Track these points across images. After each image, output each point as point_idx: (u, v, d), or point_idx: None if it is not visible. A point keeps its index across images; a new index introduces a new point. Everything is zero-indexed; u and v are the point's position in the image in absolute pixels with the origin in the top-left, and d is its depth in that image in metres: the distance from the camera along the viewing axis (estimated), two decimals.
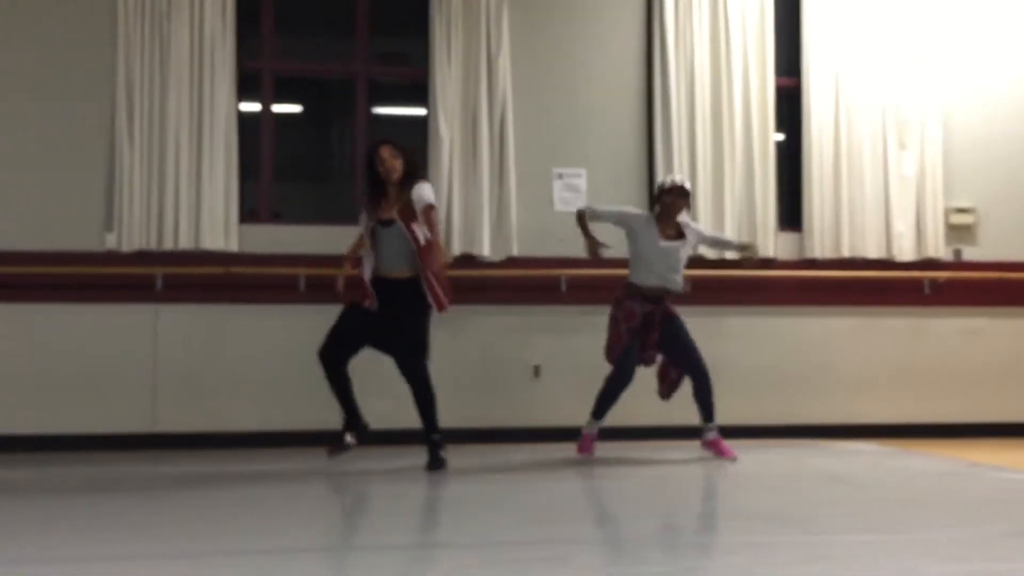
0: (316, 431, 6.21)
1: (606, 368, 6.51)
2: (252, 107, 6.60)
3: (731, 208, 6.72)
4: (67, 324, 6.21)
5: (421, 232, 5.03)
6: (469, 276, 6.47)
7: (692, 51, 6.73)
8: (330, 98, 7.49)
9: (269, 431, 6.29)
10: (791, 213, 6.94)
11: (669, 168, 6.64)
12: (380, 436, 5.62)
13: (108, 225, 6.24)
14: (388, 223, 5.10)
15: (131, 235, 6.20)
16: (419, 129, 6.63)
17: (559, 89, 6.73)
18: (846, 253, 6.83)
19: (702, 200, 6.65)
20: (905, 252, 6.89)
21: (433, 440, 5.17)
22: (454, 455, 5.73)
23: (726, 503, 4.44)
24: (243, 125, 6.46)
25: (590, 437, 5.66)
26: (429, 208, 5.04)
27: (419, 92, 6.67)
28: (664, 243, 5.51)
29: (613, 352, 5.60)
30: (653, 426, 6.46)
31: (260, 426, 6.30)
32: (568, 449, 5.76)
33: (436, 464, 5.11)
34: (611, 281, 6.41)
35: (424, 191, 5.10)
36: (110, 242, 6.21)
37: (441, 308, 5.11)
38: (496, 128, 6.55)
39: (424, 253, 5.01)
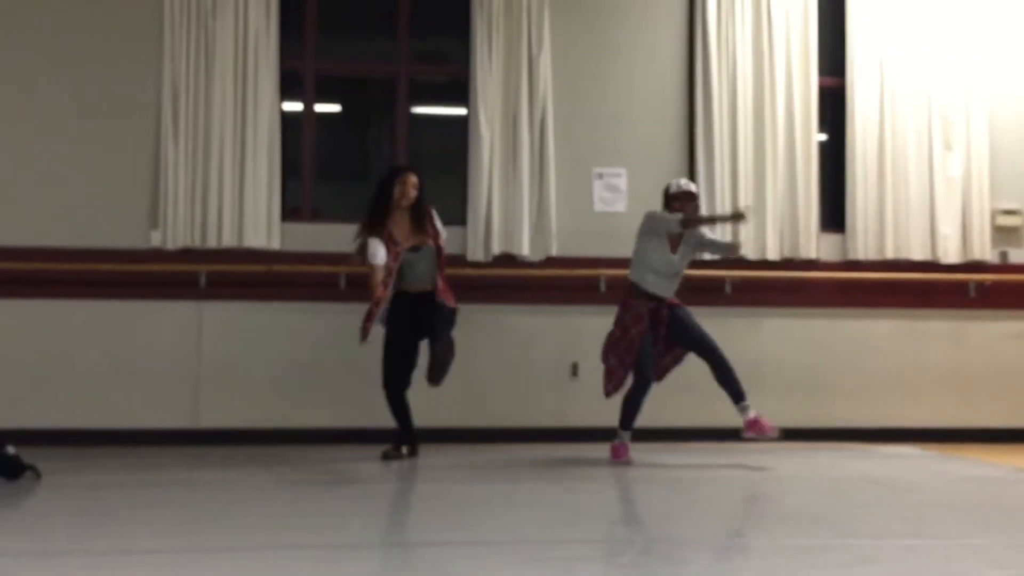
0: (356, 428, 6.27)
1: None
2: (294, 107, 6.65)
3: (772, 209, 6.67)
4: (112, 320, 6.30)
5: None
6: (509, 275, 6.48)
7: (734, 50, 6.68)
8: (371, 98, 7.52)
9: (309, 427, 6.33)
10: (834, 214, 6.87)
11: (711, 169, 6.61)
12: (419, 435, 5.67)
13: (153, 223, 6.32)
14: (417, 248, 5.47)
15: (175, 233, 6.28)
16: (459, 129, 6.65)
17: (600, 89, 6.72)
18: (890, 255, 6.75)
19: (743, 200, 6.59)
20: (950, 254, 6.79)
21: (413, 435, 5.60)
22: (494, 455, 5.74)
23: (767, 506, 4.40)
24: (285, 124, 6.52)
25: (623, 447, 5.56)
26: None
27: (459, 92, 6.69)
28: (674, 256, 5.49)
29: (612, 353, 5.45)
30: (680, 428, 6.43)
31: (299, 423, 6.35)
32: (606, 450, 5.74)
33: (400, 453, 5.54)
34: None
35: (439, 222, 5.64)
36: (155, 240, 6.30)
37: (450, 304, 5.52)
38: (536, 127, 6.55)
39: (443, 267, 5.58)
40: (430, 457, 5.52)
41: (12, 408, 6.04)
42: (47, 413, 6.17)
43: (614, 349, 5.44)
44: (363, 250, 5.45)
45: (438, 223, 5.62)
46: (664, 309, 5.50)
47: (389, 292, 5.43)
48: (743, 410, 5.41)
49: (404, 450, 5.55)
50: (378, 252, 5.40)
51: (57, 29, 6.39)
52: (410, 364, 5.49)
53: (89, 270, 6.23)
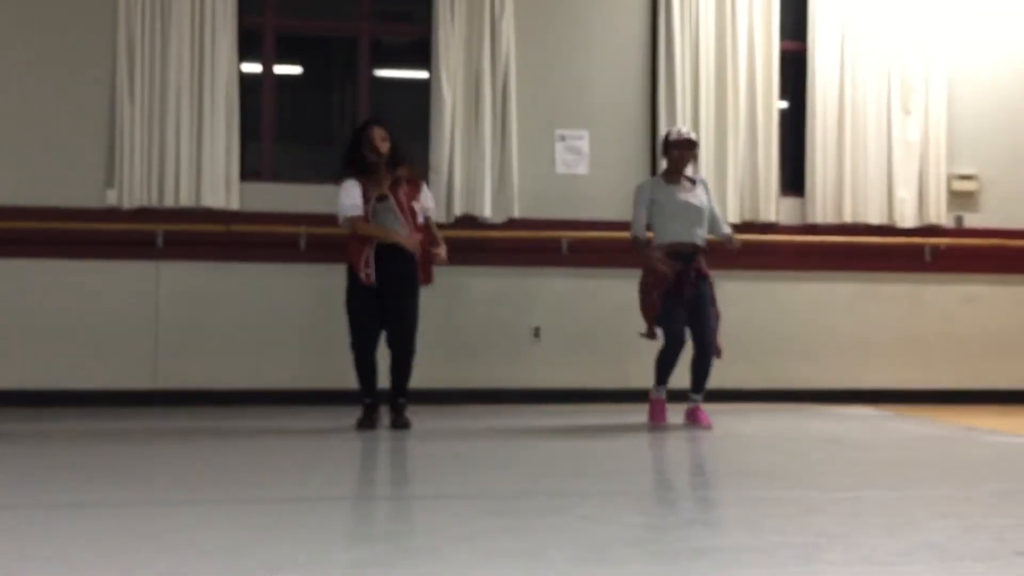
0: (316, 389, 6.26)
1: (607, 330, 6.57)
2: (254, 68, 6.56)
3: (733, 172, 6.71)
4: (68, 280, 6.21)
5: (420, 211, 5.26)
6: (470, 237, 6.47)
7: (697, 13, 6.68)
8: (332, 60, 7.44)
9: (268, 389, 6.31)
10: (794, 178, 6.93)
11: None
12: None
13: (109, 182, 6.23)
14: (382, 198, 5.19)
15: (132, 192, 6.19)
16: (421, 91, 6.60)
17: (562, 50, 6.69)
18: (848, 219, 6.82)
19: (705, 163, 6.63)
20: (907, 218, 6.88)
21: (401, 403, 5.26)
22: (456, 416, 5.75)
23: (725, 462, 4.46)
24: (245, 86, 6.42)
25: (660, 402, 5.42)
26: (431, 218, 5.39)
27: (421, 54, 6.63)
28: (683, 196, 5.36)
29: (647, 318, 5.37)
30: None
31: (259, 384, 6.32)
32: (567, 411, 5.78)
33: (404, 423, 5.17)
34: (612, 244, 6.42)
35: (430, 199, 5.39)
36: (111, 198, 6.20)
37: (428, 281, 5.32)
38: (499, 89, 6.51)
39: (421, 230, 5.25)
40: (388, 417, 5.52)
41: None
42: (2, 373, 6.09)
43: (648, 315, 5.36)
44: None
45: (426, 194, 5.33)
46: (693, 272, 5.32)
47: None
48: (694, 400, 5.42)
49: (374, 416, 5.21)
50: (353, 197, 5.12)
51: None
52: (375, 333, 5.18)
53: (44, 228, 6.13)
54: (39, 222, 6.14)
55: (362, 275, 5.11)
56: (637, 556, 2.56)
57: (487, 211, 6.49)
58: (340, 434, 5.02)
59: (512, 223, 6.56)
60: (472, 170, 6.49)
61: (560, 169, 6.69)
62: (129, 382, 6.22)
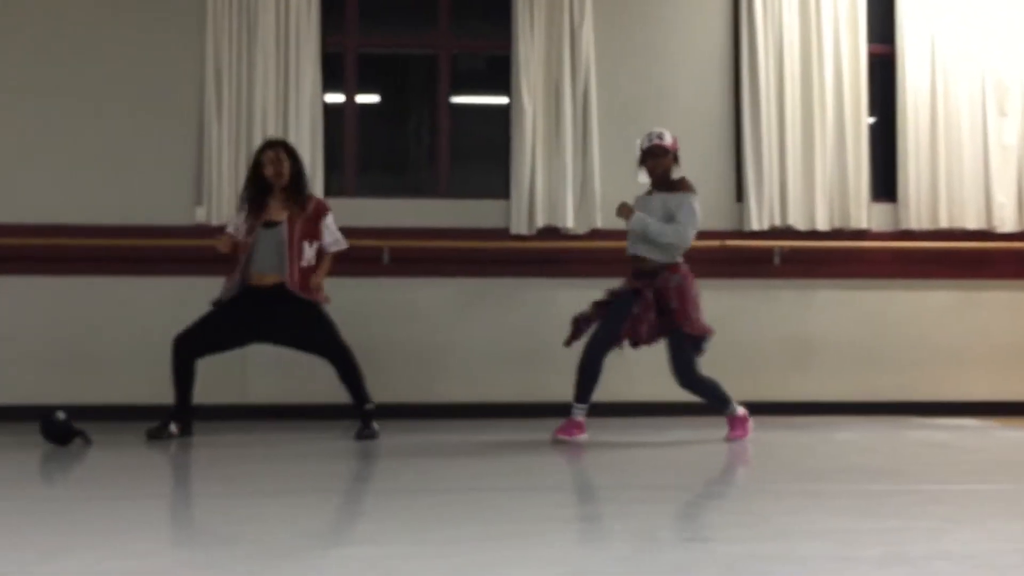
0: (407, 403, 6.24)
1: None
2: (337, 97, 6.63)
3: (821, 178, 6.54)
4: (156, 297, 6.31)
5: (311, 251, 5.08)
6: (552, 248, 6.42)
7: (780, 17, 6.57)
8: (412, 84, 7.50)
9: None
10: (886, 183, 6.73)
11: (757, 139, 6.49)
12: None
13: (198, 200, 6.35)
14: (272, 224, 5.05)
15: (220, 209, 6.29)
16: (500, 115, 6.60)
17: (643, 58, 6.63)
18: (944, 224, 6.59)
19: (792, 169, 6.48)
20: (1006, 223, 6.62)
21: (367, 410, 5.11)
22: (539, 429, 5.67)
23: (826, 462, 4.28)
24: (327, 112, 6.49)
25: (743, 418, 5.04)
26: (334, 253, 5.21)
27: (500, 72, 6.63)
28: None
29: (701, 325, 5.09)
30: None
31: (344, 397, 6.31)
32: (648, 423, 5.65)
33: (369, 433, 5.04)
34: (697, 253, 6.30)
35: (334, 233, 5.18)
36: (200, 216, 6.31)
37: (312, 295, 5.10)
38: (579, 99, 6.48)
39: (310, 272, 5.06)
40: (493, 433, 5.41)
41: (56, 383, 6.09)
42: (100, 389, 6.20)
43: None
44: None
45: (329, 230, 5.15)
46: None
47: (239, 267, 5.06)
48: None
49: (174, 427, 5.03)
50: (232, 222, 5.17)
51: (99, 12, 6.43)
52: (212, 345, 5.09)
53: (135, 246, 6.25)
54: (131, 239, 6.27)
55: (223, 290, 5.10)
56: (752, 536, 2.45)
57: (569, 222, 6.44)
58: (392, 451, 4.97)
59: (595, 233, 6.49)
60: (553, 181, 6.46)
61: (642, 179, 6.58)
62: (220, 397, 6.27)
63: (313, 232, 5.11)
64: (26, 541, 2.45)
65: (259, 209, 5.11)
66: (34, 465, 4.26)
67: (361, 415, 5.13)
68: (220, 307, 5.13)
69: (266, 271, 5.06)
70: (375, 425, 5.13)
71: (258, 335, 5.16)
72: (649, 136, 5.10)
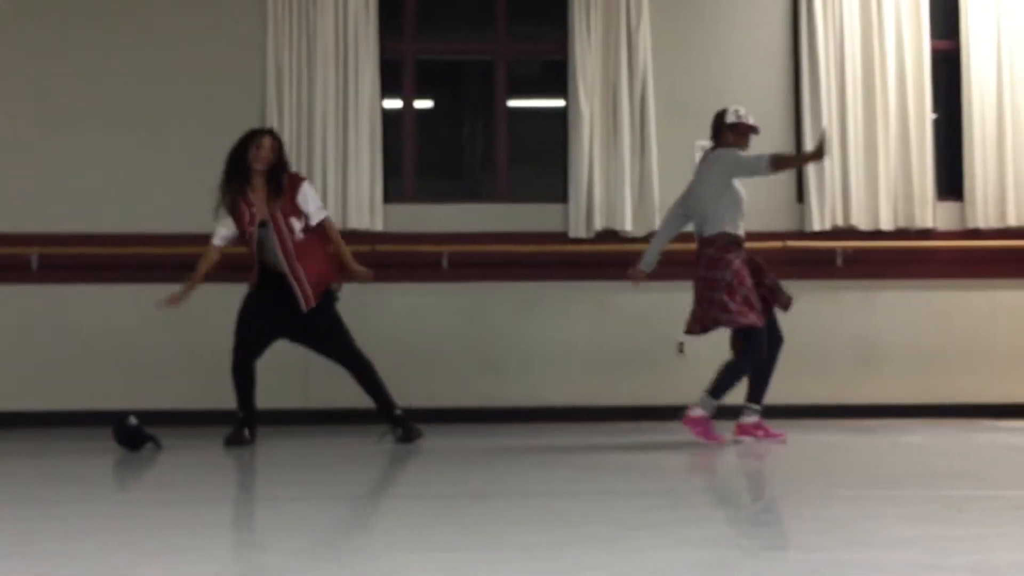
0: (460, 408, 6.26)
1: None
2: (395, 103, 6.67)
3: (885, 177, 6.44)
4: (223, 304, 6.38)
5: (298, 226, 5.00)
6: (612, 251, 6.39)
7: (841, 14, 6.47)
8: (469, 89, 7.52)
9: (422, 408, 6.33)
10: (951, 181, 6.60)
11: (816, 138, 6.40)
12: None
13: None
14: (264, 224, 5.00)
15: None
16: (556, 118, 6.60)
17: (701, 58, 6.58)
18: (1012, 222, 6.45)
19: (854, 169, 6.39)
20: None
21: (396, 416, 5.06)
22: (599, 433, 5.64)
23: (903, 467, 4.20)
24: (385, 118, 6.53)
25: (765, 426, 5.03)
26: (329, 221, 5.16)
27: (557, 75, 6.62)
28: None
29: (742, 318, 4.82)
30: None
31: (413, 402, 6.34)
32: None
33: (413, 433, 5.00)
34: (757, 254, 6.23)
35: (315, 199, 5.12)
36: None
37: (307, 305, 4.99)
38: (637, 101, 6.45)
39: (299, 253, 4.97)
40: (557, 437, 5.40)
41: (127, 389, 6.20)
42: (162, 394, 6.30)
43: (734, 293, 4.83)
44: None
45: (307, 198, 5.09)
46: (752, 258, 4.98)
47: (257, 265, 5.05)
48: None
49: (247, 433, 5.04)
50: (218, 231, 5.09)
51: (158, 21, 6.52)
52: (261, 344, 5.12)
53: (190, 253, 6.33)
54: (196, 247, 6.35)
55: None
56: (832, 544, 2.42)
57: (628, 225, 6.41)
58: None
59: (654, 236, 6.45)
60: (611, 183, 6.43)
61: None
62: (281, 402, 6.34)
63: (294, 209, 5.03)
64: (116, 544, 2.50)
65: (241, 197, 5.00)
66: (108, 469, 4.34)
67: (391, 420, 5.06)
68: (251, 301, 5.12)
69: (278, 265, 5.06)
70: (414, 425, 5.05)
71: (288, 327, 5.13)
72: (737, 111, 5.08)
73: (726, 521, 2.75)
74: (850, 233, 6.41)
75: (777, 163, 4.87)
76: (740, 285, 4.85)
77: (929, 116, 6.48)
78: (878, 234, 6.43)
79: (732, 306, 4.81)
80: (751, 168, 4.93)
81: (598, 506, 3.13)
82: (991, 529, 2.61)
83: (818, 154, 4.85)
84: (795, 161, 5.32)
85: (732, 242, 4.95)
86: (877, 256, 6.43)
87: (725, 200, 4.95)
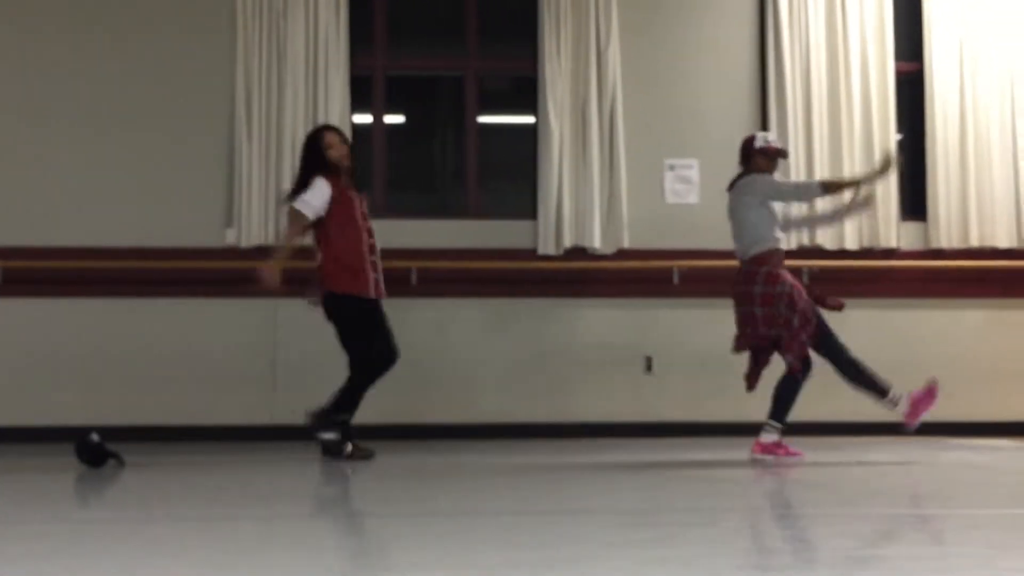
0: (426, 424, 6.23)
1: (719, 362, 6.36)
2: (365, 118, 6.68)
3: (850, 197, 6.50)
4: (187, 319, 6.36)
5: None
6: (580, 268, 6.42)
7: (807, 36, 6.57)
8: (439, 104, 7.54)
9: (385, 424, 6.31)
10: (915, 202, 6.70)
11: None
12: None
13: (228, 221, 6.39)
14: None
15: (250, 231, 6.33)
16: (527, 135, 6.63)
17: (670, 79, 6.65)
18: (975, 243, 6.56)
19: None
20: None
21: (320, 415, 5.02)
22: (567, 451, 5.64)
23: (866, 485, 4.25)
24: (355, 133, 6.53)
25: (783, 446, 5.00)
26: (292, 210, 5.07)
27: (527, 92, 6.66)
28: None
29: (799, 343, 4.82)
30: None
31: (377, 418, 6.31)
32: (680, 444, 5.61)
33: (324, 438, 5.01)
34: (724, 273, 6.28)
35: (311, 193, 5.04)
36: (230, 238, 6.36)
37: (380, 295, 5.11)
38: (606, 120, 6.50)
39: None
40: (525, 455, 5.40)
41: (89, 404, 6.12)
42: (124, 410, 6.23)
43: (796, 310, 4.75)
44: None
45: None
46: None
47: None
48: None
49: (348, 448, 4.98)
50: (314, 200, 4.88)
51: (127, 31, 6.50)
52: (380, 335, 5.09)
53: (165, 268, 6.30)
54: (162, 261, 6.32)
55: (371, 291, 4.97)
56: (796, 563, 2.44)
57: (596, 242, 6.45)
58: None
59: (622, 253, 6.50)
60: (581, 201, 6.47)
61: (670, 199, 6.61)
62: (247, 418, 6.30)
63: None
64: (77, 565, 2.46)
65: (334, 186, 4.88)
66: (70, 487, 4.28)
67: (317, 415, 4.98)
68: (358, 307, 5.09)
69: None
70: (327, 436, 4.94)
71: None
72: (766, 136, 5.07)
73: (697, 540, 2.75)
74: (816, 252, 6.49)
75: (828, 188, 4.86)
76: (800, 297, 4.78)
77: (894, 137, 6.58)
78: (843, 253, 6.51)
79: (795, 321, 4.76)
80: (795, 195, 4.94)
81: (580, 525, 3.13)
82: (954, 548, 2.64)
83: (884, 170, 4.82)
84: (851, 184, 5.04)
85: (783, 256, 4.92)
86: (842, 275, 6.51)
87: (767, 220, 4.89)
